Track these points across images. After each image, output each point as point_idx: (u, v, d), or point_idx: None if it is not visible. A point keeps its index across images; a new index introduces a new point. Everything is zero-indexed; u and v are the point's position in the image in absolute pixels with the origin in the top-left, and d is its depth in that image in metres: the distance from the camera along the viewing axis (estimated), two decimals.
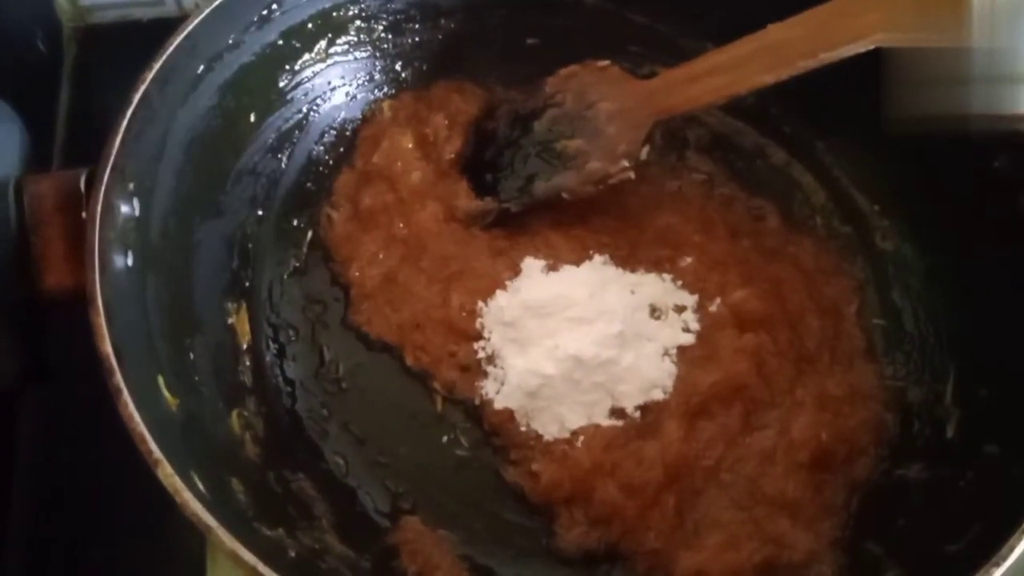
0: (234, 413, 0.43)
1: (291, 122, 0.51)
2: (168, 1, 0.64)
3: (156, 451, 0.33)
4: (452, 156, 0.52)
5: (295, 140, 0.52)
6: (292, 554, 0.36)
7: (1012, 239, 0.42)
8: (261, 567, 0.31)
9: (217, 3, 0.45)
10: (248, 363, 0.46)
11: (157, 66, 0.42)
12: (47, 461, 0.51)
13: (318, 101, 0.53)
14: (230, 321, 0.46)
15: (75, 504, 0.50)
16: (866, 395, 0.44)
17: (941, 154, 0.42)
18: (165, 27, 0.63)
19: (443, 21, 0.54)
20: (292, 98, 0.51)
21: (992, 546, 0.32)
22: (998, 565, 0.31)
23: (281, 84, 0.51)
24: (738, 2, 0.51)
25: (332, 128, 0.53)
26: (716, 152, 0.54)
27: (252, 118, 0.49)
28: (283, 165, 0.51)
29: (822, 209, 0.51)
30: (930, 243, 0.47)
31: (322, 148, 0.53)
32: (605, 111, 0.49)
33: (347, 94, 0.53)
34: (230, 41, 0.47)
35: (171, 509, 0.48)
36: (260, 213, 0.49)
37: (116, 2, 0.64)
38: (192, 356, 0.42)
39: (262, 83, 0.49)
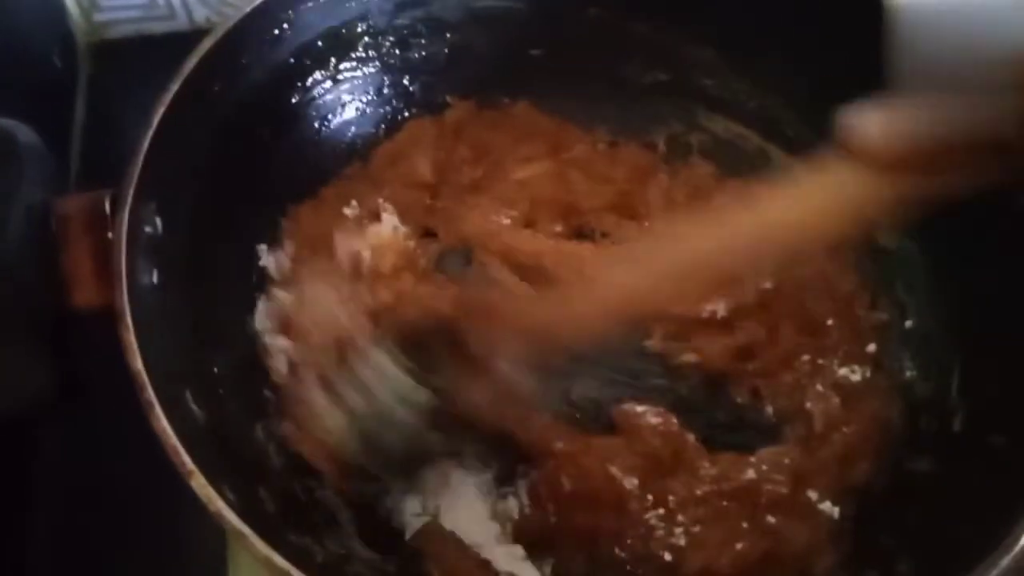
0: (258, 426, 0.44)
1: (303, 138, 0.53)
2: (180, 16, 0.65)
3: (189, 463, 0.34)
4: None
5: (307, 155, 0.53)
6: (319, 560, 0.37)
7: (1013, 236, 0.43)
8: (295, 572, 0.32)
9: (232, 24, 0.46)
10: (269, 377, 0.47)
11: (175, 88, 0.43)
12: (70, 472, 0.52)
13: (329, 116, 0.54)
14: (251, 336, 0.48)
15: (98, 512, 0.51)
16: (872, 392, 0.46)
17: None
18: (177, 41, 0.66)
19: (449, 35, 0.55)
20: (304, 114, 0.52)
21: (1000, 534, 0.33)
22: (1008, 551, 0.33)
23: (294, 101, 0.52)
24: (740, 12, 0.52)
25: (343, 142, 0.54)
26: (719, 156, 0.55)
27: (267, 135, 0.50)
28: (296, 180, 0.52)
29: None
30: (932, 240, 0.47)
31: (333, 162, 0.54)
32: None
33: (357, 109, 0.55)
34: (244, 61, 0.48)
35: (191, 517, 0.50)
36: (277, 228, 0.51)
37: (130, 17, 0.65)
38: (216, 370, 0.44)
39: (275, 101, 0.51)
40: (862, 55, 0.44)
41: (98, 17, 0.65)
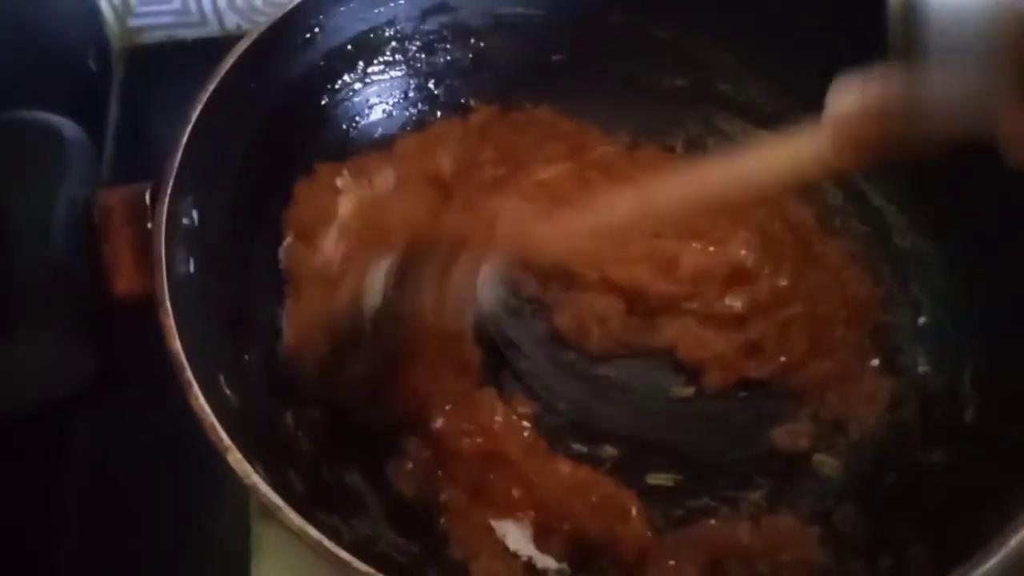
0: (288, 413, 0.45)
1: (332, 139, 0.54)
2: (211, 22, 0.67)
3: (226, 439, 0.35)
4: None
5: (335, 154, 0.54)
6: (347, 539, 0.38)
7: None
8: (327, 543, 0.33)
9: (266, 27, 0.48)
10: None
11: (212, 87, 0.45)
12: (98, 463, 0.54)
13: (357, 118, 0.55)
14: (280, 326, 0.49)
15: (125, 501, 0.52)
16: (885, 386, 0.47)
17: (955, 149, 0.44)
18: (208, 47, 0.68)
19: (473, 41, 0.57)
20: (333, 115, 0.54)
21: (1010, 517, 0.34)
22: (1016, 532, 0.34)
23: (323, 103, 0.54)
24: (757, 18, 0.54)
25: (370, 143, 0.56)
26: None
27: (297, 134, 0.52)
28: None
29: (841, 211, 0.53)
30: (947, 238, 0.49)
31: None
32: None
33: (384, 111, 0.56)
34: (277, 62, 0.50)
35: (214, 508, 0.52)
36: None
37: (162, 23, 0.67)
38: (247, 357, 0.45)
39: (306, 102, 0.53)
40: (874, 60, 0.46)
41: (132, 23, 0.67)
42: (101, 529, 0.52)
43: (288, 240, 0.50)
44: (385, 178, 0.53)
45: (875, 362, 0.48)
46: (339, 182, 0.52)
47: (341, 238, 0.50)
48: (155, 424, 0.54)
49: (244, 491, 0.45)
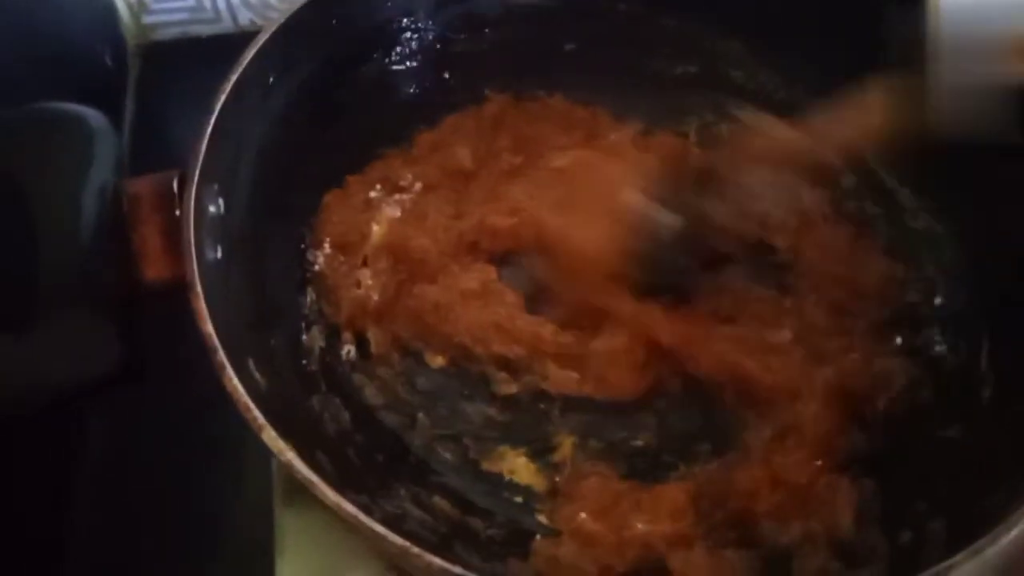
0: (314, 397, 0.46)
1: (350, 128, 0.55)
2: (225, 19, 0.68)
3: (260, 417, 0.36)
4: None
5: (353, 144, 0.55)
6: (377, 516, 0.39)
7: None
8: (362, 517, 0.34)
9: (284, 20, 0.48)
10: (318, 354, 0.49)
11: (234, 78, 0.45)
12: (115, 454, 0.55)
13: (374, 108, 0.56)
14: (304, 313, 0.50)
15: (145, 492, 0.53)
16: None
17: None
18: (222, 43, 0.68)
19: (487, 31, 0.58)
20: (350, 105, 0.54)
21: None
22: None
23: (341, 92, 0.54)
24: (766, 4, 0.54)
25: (387, 133, 0.56)
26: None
27: (316, 125, 0.53)
28: (342, 167, 0.54)
29: (854, 193, 0.54)
30: (960, 219, 0.49)
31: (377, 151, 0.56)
32: None
33: (400, 101, 0.57)
34: (296, 55, 0.50)
35: (237, 495, 0.52)
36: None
37: (177, 20, 0.68)
38: (273, 343, 0.46)
39: (324, 93, 0.53)
40: (883, 43, 0.46)
41: (147, 19, 0.68)
42: (120, 518, 0.53)
43: (326, 251, 0.52)
44: (410, 186, 0.54)
45: (896, 342, 0.48)
46: (372, 195, 0.54)
47: (377, 274, 0.51)
48: (175, 415, 0.55)
49: (266, 480, 0.47)
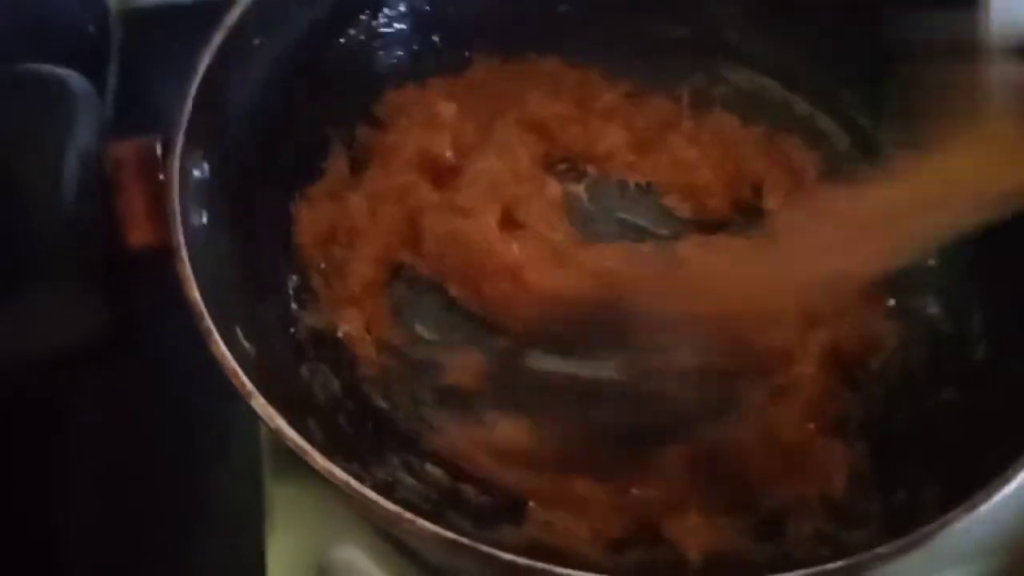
0: (303, 366, 0.46)
1: (338, 90, 0.54)
2: None
3: (248, 384, 0.35)
4: None
5: (341, 107, 0.54)
6: (368, 483, 0.39)
7: None
8: (353, 483, 0.34)
9: None
10: (307, 324, 0.48)
11: (218, 40, 0.45)
12: (102, 432, 0.54)
13: (362, 71, 0.55)
14: (290, 282, 0.49)
15: (133, 465, 0.53)
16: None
17: None
18: (206, 10, 0.66)
19: None
20: (338, 68, 0.53)
21: (1020, 450, 0.35)
22: None
23: (328, 57, 0.53)
24: None
25: (375, 95, 0.55)
26: (742, 107, 0.56)
27: (303, 88, 0.52)
28: (331, 134, 0.53)
29: (847, 155, 0.53)
30: None
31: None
32: None
33: (389, 64, 0.56)
34: (281, 16, 0.49)
35: (226, 469, 0.52)
36: (313, 178, 0.52)
37: None
38: (261, 310, 0.45)
39: (310, 58, 0.52)
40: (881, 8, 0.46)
41: None
42: (106, 491, 0.52)
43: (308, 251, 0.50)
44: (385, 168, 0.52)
45: (889, 304, 0.48)
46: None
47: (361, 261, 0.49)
48: (162, 384, 0.55)
49: (255, 451, 0.47)
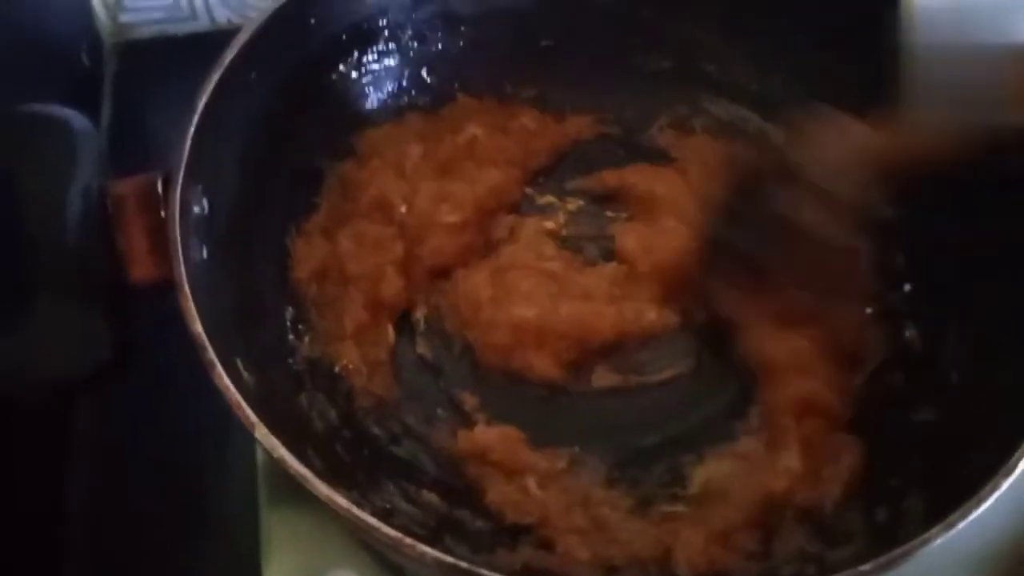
0: (302, 395, 0.47)
1: (330, 124, 0.55)
2: (202, 17, 0.68)
3: (252, 415, 0.36)
4: None
5: (333, 140, 0.55)
6: (367, 510, 0.39)
7: (1003, 201, 0.46)
8: (355, 510, 0.34)
9: (265, 18, 0.48)
10: (304, 354, 0.49)
11: (216, 77, 0.46)
12: (105, 448, 0.55)
13: (353, 105, 0.56)
14: (287, 313, 0.50)
15: (130, 492, 0.54)
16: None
17: None
18: (199, 42, 0.68)
19: (463, 28, 0.58)
20: (330, 102, 0.55)
21: (1002, 459, 0.36)
22: (1007, 476, 0.36)
23: (321, 89, 0.54)
24: None
25: (366, 129, 0.56)
26: (721, 137, 0.58)
27: (297, 122, 0.53)
28: (323, 168, 0.55)
29: None
30: (929, 209, 0.49)
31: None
32: None
33: (379, 99, 0.57)
34: (276, 53, 0.50)
35: (222, 498, 0.53)
36: (307, 212, 0.53)
37: (153, 19, 0.68)
38: (260, 341, 0.46)
39: (304, 90, 0.53)
40: (859, 38, 0.47)
41: (123, 18, 0.68)
42: (108, 519, 0.53)
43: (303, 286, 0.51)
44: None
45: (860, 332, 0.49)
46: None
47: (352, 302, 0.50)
48: (159, 410, 0.56)
49: (251, 474, 0.48)
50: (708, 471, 0.46)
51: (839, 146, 0.44)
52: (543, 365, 0.48)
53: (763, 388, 0.48)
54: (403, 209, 0.52)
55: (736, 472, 0.45)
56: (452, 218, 0.51)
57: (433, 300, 0.52)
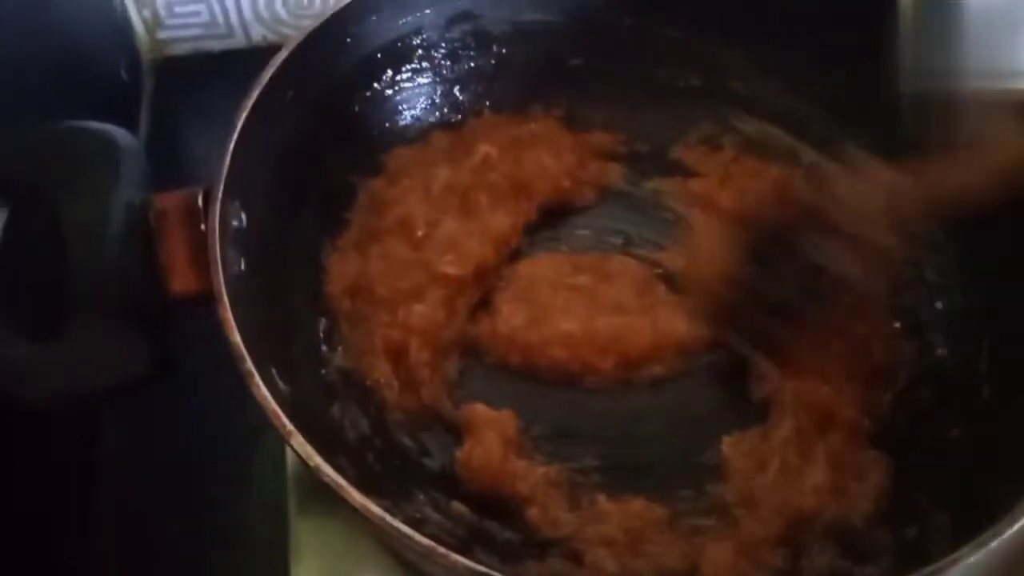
0: (335, 405, 0.48)
1: (365, 142, 0.56)
2: (238, 34, 0.69)
3: (288, 424, 0.37)
4: None
5: (367, 157, 0.56)
6: (399, 519, 0.40)
7: None
8: (388, 518, 0.35)
9: (302, 38, 0.50)
10: (337, 365, 0.50)
11: (255, 95, 0.47)
12: (136, 461, 0.56)
13: (387, 123, 0.57)
14: (320, 325, 0.51)
15: (159, 499, 0.55)
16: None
17: None
18: (235, 58, 0.70)
19: (495, 47, 0.59)
20: (365, 120, 0.56)
21: None
22: None
23: (356, 108, 0.56)
24: (769, 15, 0.56)
25: (399, 146, 0.57)
26: (750, 155, 0.58)
27: (331, 139, 0.54)
28: (355, 182, 0.56)
29: None
30: (959, 225, 0.50)
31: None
32: None
33: (412, 116, 0.58)
34: (312, 72, 0.52)
35: (251, 507, 0.53)
36: (340, 228, 0.54)
37: (190, 35, 0.70)
38: (294, 352, 0.47)
39: (339, 108, 0.54)
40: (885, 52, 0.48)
41: (161, 35, 0.70)
42: (132, 524, 0.54)
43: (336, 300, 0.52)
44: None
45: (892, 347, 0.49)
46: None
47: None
48: (189, 418, 0.57)
49: (279, 483, 0.48)
50: (736, 485, 0.46)
51: (869, 192, 0.44)
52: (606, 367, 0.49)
53: (786, 400, 0.48)
54: (420, 233, 0.53)
55: (764, 487, 0.45)
56: (452, 270, 0.52)
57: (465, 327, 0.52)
